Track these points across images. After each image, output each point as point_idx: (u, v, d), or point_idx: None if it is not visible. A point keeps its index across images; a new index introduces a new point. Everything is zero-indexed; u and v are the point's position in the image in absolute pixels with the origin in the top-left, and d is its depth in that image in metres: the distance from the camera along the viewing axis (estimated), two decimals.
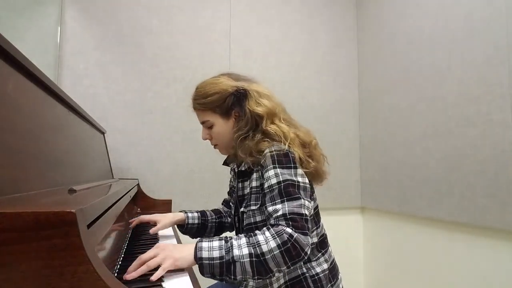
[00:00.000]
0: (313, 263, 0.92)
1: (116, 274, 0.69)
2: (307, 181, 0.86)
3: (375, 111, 2.09)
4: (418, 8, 1.75)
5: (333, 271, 0.96)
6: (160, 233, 1.13)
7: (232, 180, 1.16)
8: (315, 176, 0.95)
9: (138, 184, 1.66)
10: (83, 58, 1.71)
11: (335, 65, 2.24)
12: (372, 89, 2.13)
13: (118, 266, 0.74)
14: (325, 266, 0.94)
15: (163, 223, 1.05)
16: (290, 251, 0.72)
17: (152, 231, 1.02)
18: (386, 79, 1.99)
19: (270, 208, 0.81)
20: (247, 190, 0.96)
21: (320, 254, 0.95)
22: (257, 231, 0.77)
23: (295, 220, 0.76)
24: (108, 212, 0.67)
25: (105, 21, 1.77)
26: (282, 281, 0.89)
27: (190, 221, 1.12)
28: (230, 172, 1.18)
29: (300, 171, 0.85)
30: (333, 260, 0.99)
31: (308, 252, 0.75)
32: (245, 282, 0.92)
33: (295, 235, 0.73)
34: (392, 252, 1.94)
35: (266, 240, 0.73)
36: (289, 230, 0.73)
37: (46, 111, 0.77)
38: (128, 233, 1.09)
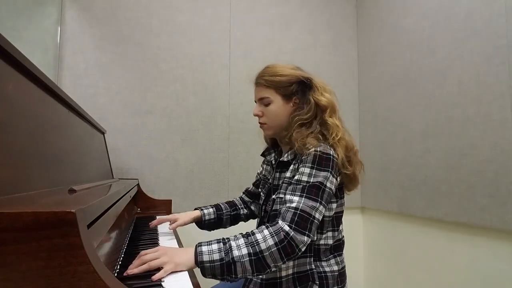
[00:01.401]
0: (323, 263, 0.94)
1: (116, 274, 0.69)
2: (333, 188, 0.89)
3: (375, 111, 2.09)
4: (418, 8, 1.75)
5: (342, 276, 0.98)
6: (160, 230, 1.17)
7: (264, 173, 1.18)
8: (352, 180, 0.98)
9: (138, 184, 1.65)
10: (83, 58, 1.71)
11: (335, 65, 2.23)
12: (372, 89, 2.13)
13: (118, 266, 0.74)
14: (335, 267, 0.95)
15: (183, 220, 1.12)
16: (286, 248, 0.76)
17: (172, 226, 1.10)
18: (386, 79, 1.99)
19: (288, 196, 0.84)
20: (282, 180, 0.98)
21: (331, 255, 0.97)
22: (254, 230, 0.80)
23: (302, 218, 0.79)
24: (108, 212, 0.67)
25: (105, 21, 1.77)
26: (290, 271, 0.91)
27: (207, 217, 1.18)
28: (262, 165, 1.21)
29: (332, 178, 0.88)
30: (344, 266, 1.01)
31: (302, 250, 0.79)
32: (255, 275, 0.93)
33: (291, 233, 0.77)
34: (392, 252, 1.94)
35: (264, 238, 0.77)
36: (286, 228, 0.77)
37: (46, 111, 0.77)
38: (128, 233, 1.09)
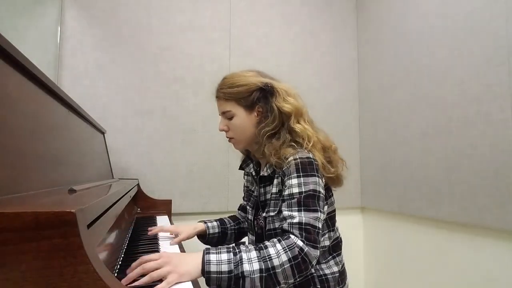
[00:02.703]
0: (323, 265, 0.93)
1: (116, 274, 0.69)
2: (324, 192, 0.86)
3: (375, 111, 2.09)
4: (418, 8, 1.75)
5: (342, 275, 0.97)
6: (161, 234, 1.09)
7: (247, 185, 1.14)
8: (335, 181, 0.95)
9: (138, 184, 1.65)
10: (83, 58, 1.71)
11: (335, 65, 2.23)
12: (372, 89, 2.13)
13: (118, 266, 0.74)
14: (335, 269, 0.94)
15: (186, 234, 1.03)
16: (300, 265, 0.72)
17: (174, 242, 0.98)
18: (386, 79, 1.99)
19: (286, 213, 0.81)
20: (268, 196, 0.95)
21: (330, 257, 0.95)
22: (267, 243, 0.76)
23: (309, 232, 0.76)
24: (108, 212, 0.67)
25: (105, 21, 1.77)
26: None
27: (211, 231, 1.11)
28: (244, 176, 1.17)
29: (321, 181, 0.85)
30: (344, 265, 1.00)
31: (314, 264, 0.75)
32: None
33: (306, 248, 0.73)
34: (392, 252, 1.94)
35: (278, 253, 0.72)
36: (300, 243, 0.74)
37: (46, 111, 0.77)
38: (128, 233, 1.09)
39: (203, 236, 1.11)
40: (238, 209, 1.26)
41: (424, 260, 1.70)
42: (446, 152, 1.55)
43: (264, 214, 0.95)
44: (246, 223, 1.19)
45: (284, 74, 2.11)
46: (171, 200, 1.72)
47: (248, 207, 1.08)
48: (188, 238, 1.04)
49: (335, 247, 0.98)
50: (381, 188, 2.01)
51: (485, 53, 1.38)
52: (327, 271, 0.92)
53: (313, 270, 0.91)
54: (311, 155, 0.86)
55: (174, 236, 1.05)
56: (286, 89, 0.97)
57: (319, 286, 0.90)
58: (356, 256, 2.19)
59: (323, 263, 0.93)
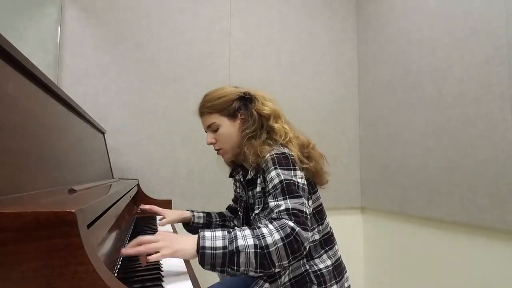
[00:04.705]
0: (316, 260, 0.95)
1: (116, 274, 0.69)
2: (305, 182, 0.89)
3: (375, 111, 2.09)
4: (418, 8, 1.75)
5: (338, 268, 0.98)
6: (160, 229, 1.18)
7: (237, 190, 1.20)
8: (316, 174, 0.99)
9: (138, 184, 1.65)
10: (83, 58, 1.71)
11: (335, 65, 2.23)
12: (372, 89, 2.13)
13: (118, 266, 0.74)
14: (329, 262, 0.96)
15: (171, 218, 1.14)
16: (293, 244, 0.72)
17: (161, 223, 1.10)
18: (386, 79, 1.99)
19: (272, 204, 0.83)
20: (255, 197, 0.99)
21: (323, 251, 0.97)
22: (260, 224, 0.77)
23: (297, 216, 0.78)
24: (108, 212, 0.67)
25: (105, 21, 1.77)
26: (287, 278, 0.91)
27: (196, 220, 1.19)
28: (234, 183, 1.22)
29: (299, 172, 0.88)
30: (339, 258, 1.01)
31: (307, 248, 0.76)
32: (260, 282, 0.92)
33: (297, 229, 0.74)
34: (392, 252, 1.94)
35: (270, 232, 0.73)
36: (291, 223, 0.75)
37: (46, 111, 0.77)
38: (128, 233, 1.09)
39: (187, 224, 1.20)
40: (227, 208, 1.34)
41: (424, 260, 1.70)
42: (446, 152, 1.55)
43: (253, 214, 0.98)
44: (232, 222, 1.27)
45: (284, 74, 2.13)
46: (171, 200, 1.72)
47: (239, 212, 1.14)
48: (172, 221, 1.15)
49: (327, 241, 0.99)
50: (381, 188, 2.01)
51: (485, 53, 1.38)
52: (321, 266, 0.94)
53: (307, 267, 0.92)
54: (286, 150, 0.91)
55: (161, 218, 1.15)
56: (263, 95, 1.05)
57: (315, 282, 0.91)
58: (356, 256, 2.19)
59: (317, 257, 0.95)
